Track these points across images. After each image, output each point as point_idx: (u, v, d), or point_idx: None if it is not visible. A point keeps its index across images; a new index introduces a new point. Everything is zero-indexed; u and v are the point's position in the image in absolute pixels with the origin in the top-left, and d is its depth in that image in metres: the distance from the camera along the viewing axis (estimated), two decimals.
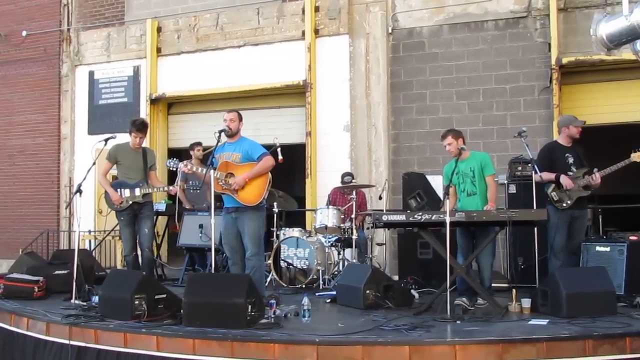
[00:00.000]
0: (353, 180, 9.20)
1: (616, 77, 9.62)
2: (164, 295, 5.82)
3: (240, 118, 6.67)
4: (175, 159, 6.74)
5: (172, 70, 12.06)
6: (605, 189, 7.20)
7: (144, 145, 7.85)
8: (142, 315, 5.55)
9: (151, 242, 7.79)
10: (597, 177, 6.85)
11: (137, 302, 5.58)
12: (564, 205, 6.88)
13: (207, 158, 6.82)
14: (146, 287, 5.73)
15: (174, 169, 6.73)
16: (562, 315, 5.56)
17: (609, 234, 7.30)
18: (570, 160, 7.00)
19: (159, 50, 12.13)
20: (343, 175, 9.30)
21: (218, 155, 6.63)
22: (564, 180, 6.87)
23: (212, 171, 6.36)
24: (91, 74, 12.67)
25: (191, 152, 9.31)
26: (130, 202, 7.49)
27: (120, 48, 12.47)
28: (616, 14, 4.13)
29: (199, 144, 9.36)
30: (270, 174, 6.52)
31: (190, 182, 7.81)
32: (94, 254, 9.75)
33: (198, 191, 8.09)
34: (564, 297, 5.59)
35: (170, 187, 7.81)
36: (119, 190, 7.50)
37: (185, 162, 6.75)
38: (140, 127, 7.61)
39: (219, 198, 6.67)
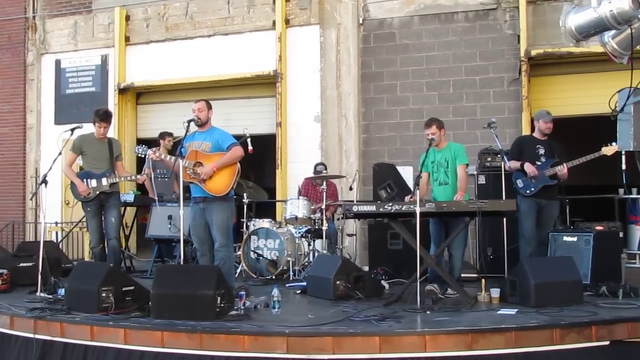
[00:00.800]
0: (324, 171, 9.17)
1: (584, 69, 9.72)
2: (132, 287, 5.74)
3: (209, 107, 6.60)
4: (143, 146, 6.68)
5: (140, 60, 11.91)
6: (573, 180, 7.28)
7: (110, 135, 7.73)
8: (109, 307, 5.47)
9: (118, 231, 7.70)
10: (563, 167, 6.95)
11: (104, 295, 5.49)
12: (527, 192, 7.00)
13: (176, 148, 6.74)
14: (114, 279, 5.65)
15: (142, 156, 6.67)
16: (530, 304, 5.60)
17: (576, 224, 7.37)
18: (541, 151, 7.10)
19: (127, 39, 11.96)
20: (316, 166, 9.28)
21: (188, 144, 6.56)
22: (527, 166, 7.01)
23: (180, 160, 6.29)
24: (58, 62, 12.45)
25: (161, 142, 9.19)
26: (97, 193, 7.39)
27: (88, 36, 12.26)
28: (585, 6, 4.14)
29: (170, 134, 9.26)
30: (239, 165, 6.46)
31: (158, 171, 7.72)
32: (60, 245, 9.61)
33: (166, 179, 7.99)
34: (532, 287, 5.63)
35: (138, 176, 7.72)
36: (85, 180, 7.39)
37: (153, 149, 6.66)
38: (104, 117, 7.50)
39: (188, 189, 6.60)
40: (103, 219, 7.51)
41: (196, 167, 6.38)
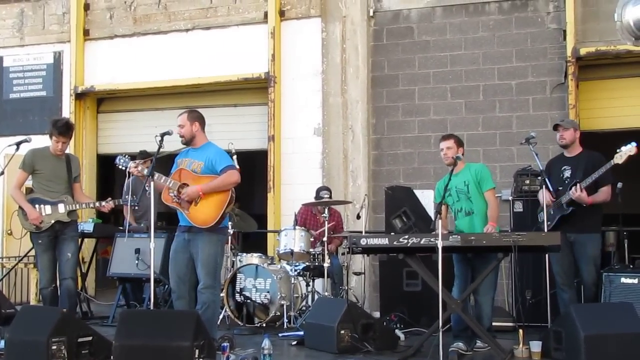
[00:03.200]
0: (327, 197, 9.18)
1: None
2: (90, 338, 5.76)
3: (192, 119, 6.62)
4: (126, 156, 6.68)
5: (103, 58, 11.97)
6: (633, 207, 7.27)
7: (67, 151, 7.75)
8: None
9: (75, 269, 7.69)
10: (576, 189, 6.80)
11: (54, 347, 5.48)
12: (543, 227, 7.00)
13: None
14: (67, 327, 5.65)
15: (123, 168, 6.66)
16: None
17: (637, 262, 7.36)
18: (567, 173, 7.07)
19: (86, 32, 12.02)
20: (318, 191, 9.27)
21: (180, 161, 6.64)
22: (540, 195, 7.08)
23: (152, 185, 6.30)
24: None
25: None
26: (52, 222, 7.39)
27: (37, 29, 12.33)
28: None
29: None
30: (233, 192, 6.48)
31: (134, 197, 7.74)
32: (0, 286, 9.59)
33: (136, 207, 7.99)
34: (582, 340, 5.61)
35: (103, 203, 7.64)
36: (37, 206, 7.38)
37: (136, 162, 6.65)
38: (63, 130, 7.46)
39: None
40: (57, 254, 7.49)
41: (181, 189, 6.41)
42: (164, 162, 6.97)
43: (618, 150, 6.71)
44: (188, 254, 6.48)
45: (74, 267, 7.63)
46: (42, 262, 7.51)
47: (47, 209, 7.39)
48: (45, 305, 7.41)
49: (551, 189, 6.94)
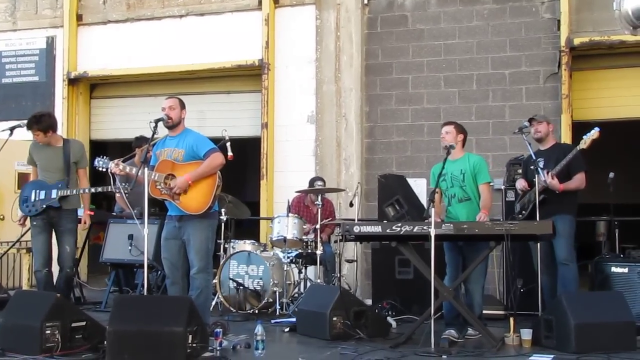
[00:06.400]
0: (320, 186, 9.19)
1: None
2: (84, 323, 5.77)
3: (182, 106, 6.65)
4: (104, 158, 6.71)
5: (96, 44, 11.93)
6: (624, 197, 7.32)
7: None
8: (55, 347, 5.49)
9: (73, 260, 7.78)
10: (543, 175, 6.92)
11: (48, 332, 5.51)
12: (520, 216, 7.16)
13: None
14: (61, 312, 5.67)
15: (104, 170, 6.69)
16: (570, 349, 5.65)
17: (628, 251, 7.41)
18: (541, 164, 7.12)
19: (79, 17, 11.98)
20: (312, 181, 9.28)
21: (159, 152, 6.61)
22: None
23: (146, 171, 6.32)
24: None
25: (137, 150, 8.80)
26: (44, 206, 7.45)
27: (30, 14, 12.28)
28: None
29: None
30: (219, 174, 6.50)
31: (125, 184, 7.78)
32: None
33: (126, 194, 8.01)
34: (572, 328, 5.67)
35: (93, 190, 7.70)
36: (33, 191, 7.48)
37: (115, 161, 6.68)
38: (30, 124, 7.54)
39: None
40: (57, 242, 7.59)
41: (168, 180, 6.42)
42: None
43: (583, 137, 6.87)
44: (179, 240, 6.50)
45: (73, 258, 7.74)
46: (35, 245, 7.62)
47: (41, 194, 7.47)
48: (39, 288, 7.48)
49: (543, 177, 6.98)
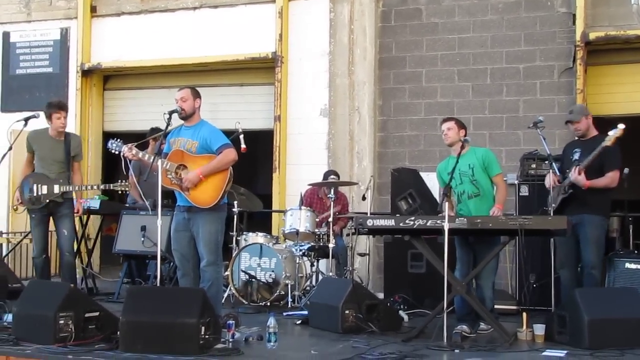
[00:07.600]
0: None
1: None
2: (97, 314, 5.77)
3: (195, 95, 6.62)
4: (118, 140, 6.71)
5: (109, 35, 11.95)
6: (639, 193, 7.28)
7: (71, 128, 7.87)
8: (68, 338, 5.49)
9: (72, 245, 7.94)
10: (574, 171, 6.74)
11: (62, 322, 5.51)
12: (550, 210, 6.97)
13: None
14: (74, 302, 5.67)
15: (116, 152, 6.68)
16: (583, 345, 5.62)
17: None
18: (576, 155, 6.96)
19: (93, 9, 12.00)
20: (326, 174, 9.29)
21: (172, 140, 6.61)
22: (547, 179, 7.04)
23: (160, 160, 6.32)
24: (6, 36, 12.49)
25: (151, 141, 8.79)
26: (47, 201, 7.59)
27: (44, 5, 12.31)
28: None
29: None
30: (231, 170, 6.48)
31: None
32: (6, 260, 9.64)
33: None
34: (586, 324, 5.64)
35: (102, 186, 7.86)
36: (35, 185, 7.55)
37: (129, 145, 6.66)
38: (62, 104, 7.76)
39: (168, 194, 6.64)
40: (55, 228, 7.78)
41: (179, 170, 6.42)
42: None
43: (608, 133, 6.62)
44: (189, 232, 6.50)
45: (71, 242, 7.89)
46: (34, 235, 7.87)
47: (44, 189, 7.58)
48: (37, 273, 7.84)
49: (557, 173, 6.93)
